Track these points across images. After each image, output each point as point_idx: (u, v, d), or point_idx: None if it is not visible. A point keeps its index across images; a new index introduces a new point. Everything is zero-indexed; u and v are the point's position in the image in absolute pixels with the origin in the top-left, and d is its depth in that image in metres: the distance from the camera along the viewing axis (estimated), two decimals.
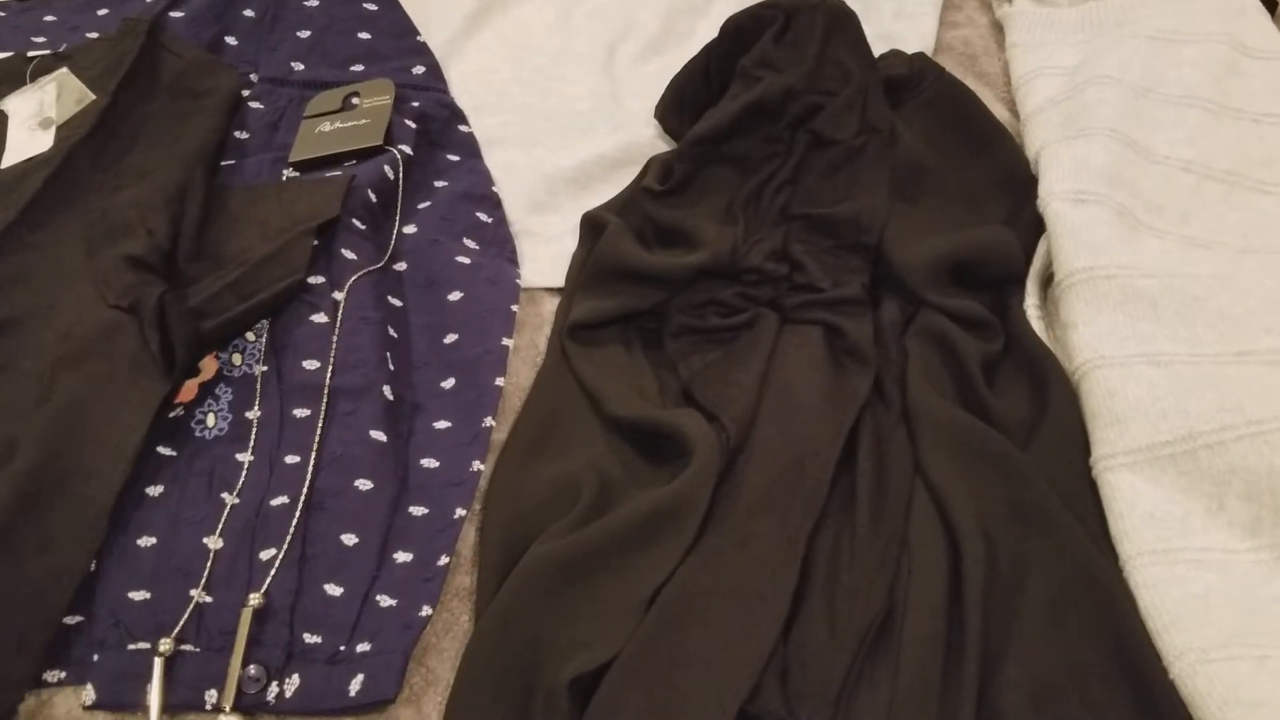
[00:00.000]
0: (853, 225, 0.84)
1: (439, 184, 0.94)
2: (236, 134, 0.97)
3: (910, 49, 1.01)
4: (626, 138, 0.98)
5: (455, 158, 0.97)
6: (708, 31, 1.02)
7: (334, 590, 0.69)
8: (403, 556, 0.71)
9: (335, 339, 0.79)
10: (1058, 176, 0.87)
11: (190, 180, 0.86)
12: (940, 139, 0.92)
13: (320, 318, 0.80)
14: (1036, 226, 0.88)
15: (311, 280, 0.82)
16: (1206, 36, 0.99)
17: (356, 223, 0.86)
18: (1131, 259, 0.81)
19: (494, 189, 0.95)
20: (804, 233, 0.85)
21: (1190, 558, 0.69)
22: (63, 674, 0.67)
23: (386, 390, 0.77)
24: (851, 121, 0.87)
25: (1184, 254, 0.84)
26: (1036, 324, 0.83)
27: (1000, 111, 1.02)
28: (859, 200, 0.85)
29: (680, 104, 0.97)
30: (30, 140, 0.96)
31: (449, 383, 0.81)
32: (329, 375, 0.77)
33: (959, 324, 0.81)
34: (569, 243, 0.92)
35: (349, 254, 0.83)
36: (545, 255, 0.92)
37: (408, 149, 0.93)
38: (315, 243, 0.83)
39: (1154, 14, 1.02)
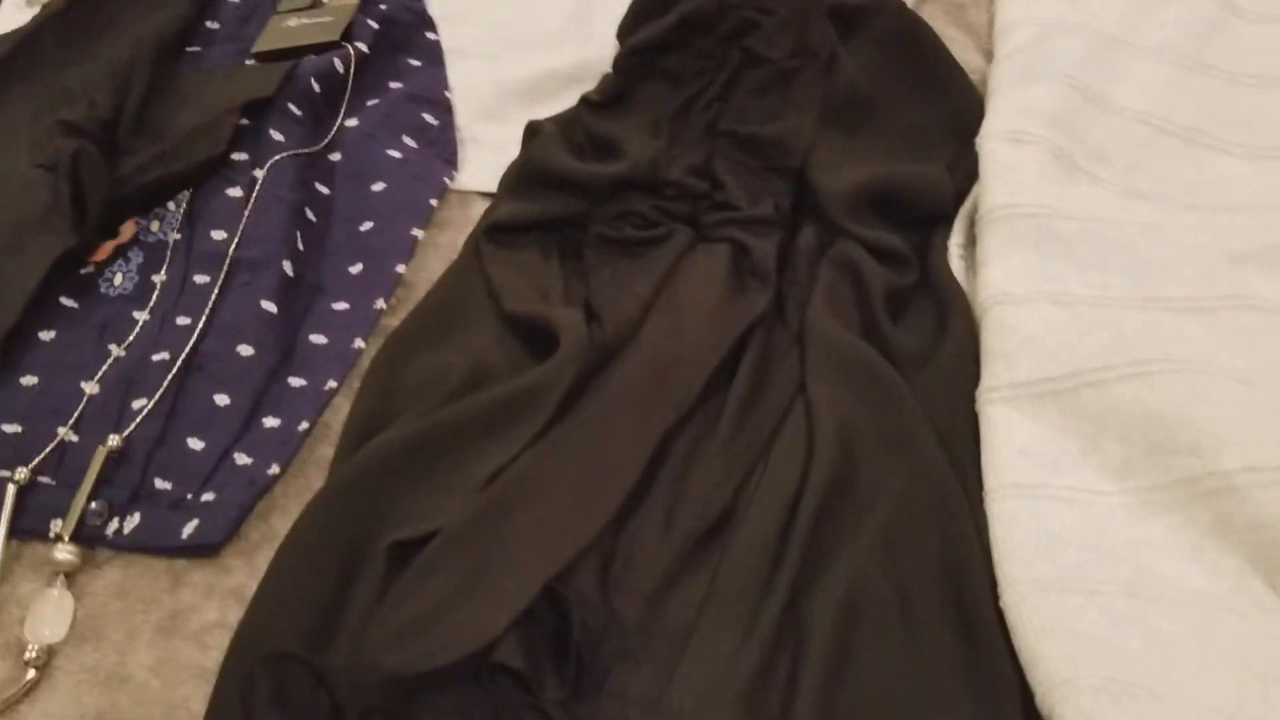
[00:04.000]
0: (778, 147, 0.83)
1: (394, 85, 0.96)
2: (208, 24, 0.99)
3: None
4: (584, 55, 0.98)
5: (417, 63, 0.98)
6: None
7: (196, 444, 0.71)
8: (271, 422, 0.73)
9: (247, 213, 0.81)
10: (999, 116, 0.85)
11: (138, 57, 0.89)
12: (890, 74, 0.90)
13: (235, 191, 0.82)
14: (977, 170, 0.85)
15: (235, 156, 0.84)
16: None
17: (293, 107, 0.87)
18: (1054, 200, 0.78)
19: (447, 94, 0.96)
20: (729, 150, 0.84)
21: (1053, 494, 0.67)
22: None
23: (286, 266, 0.79)
24: (786, 42, 0.85)
25: (1118, 202, 0.81)
26: (957, 263, 0.81)
27: (979, 61, 1.00)
28: (786, 122, 0.84)
29: (638, 24, 0.96)
30: (17, 16, 1.01)
31: (356, 268, 0.82)
32: (234, 246, 0.79)
33: (873, 254, 0.80)
34: (514, 153, 0.92)
35: (277, 135, 0.85)
36: (488, 162, 0.92)
37: (364, 47, 0.95)
38: (245, 121, 0.85)
39: None
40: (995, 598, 0.62)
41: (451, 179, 0.90)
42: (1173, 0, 0.95)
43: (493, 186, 0.90)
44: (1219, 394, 0.66)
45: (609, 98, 0.88)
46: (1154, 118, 0.87)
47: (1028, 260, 0.76)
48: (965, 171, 0.86)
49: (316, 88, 0.89)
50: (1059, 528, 0.65)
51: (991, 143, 0.83)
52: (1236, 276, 0.74)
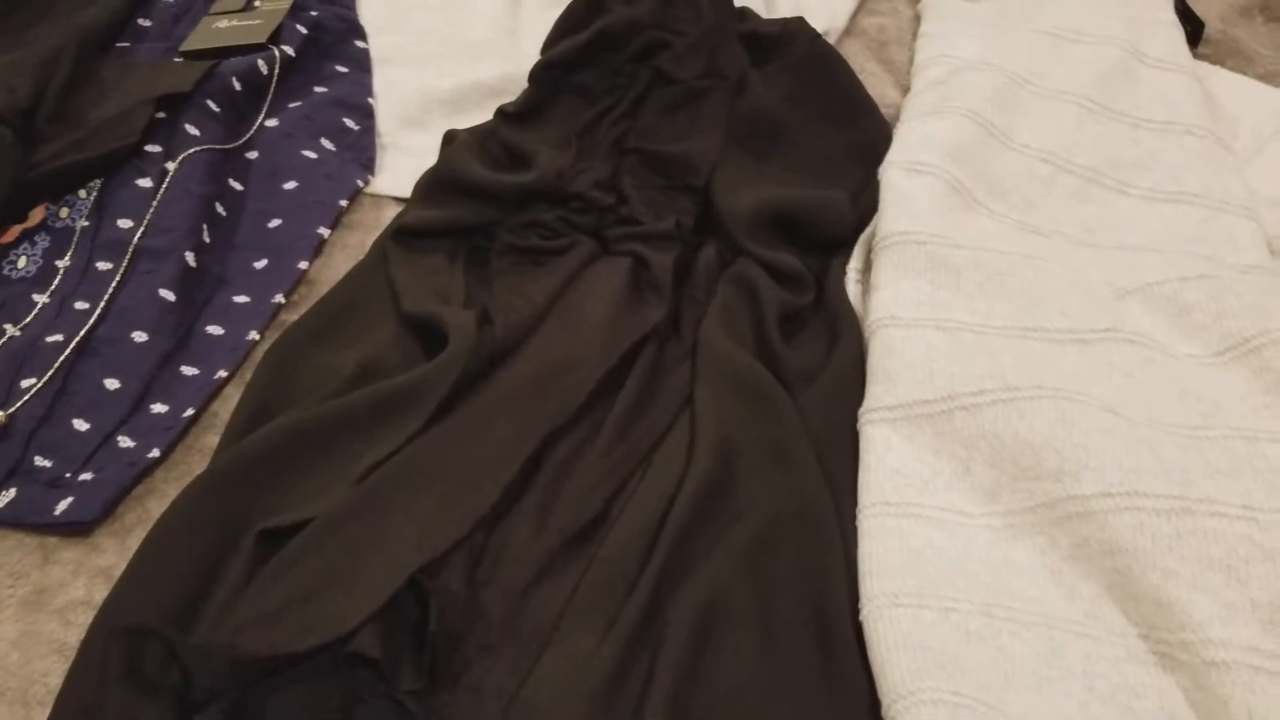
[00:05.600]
0: (683, 165, 0.84)
1: (319, 89, 0.97)
2: (140, 21, 1.00)
3: (817, 22, 1.01)
4: (508, 68, 1.00)
5: (343, 69, 1.00)
6: None
7: (81, 425, 0.71)
8: (158, 408, 0.73)
9: (155, 204, 0.81)
10: (902, 147, 0.87)
11: (64, 48, 0.89)
12: (800, 101, 0.92)
13: (145, 182, 0.83)
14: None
15: (149, 148, 0.85)
16: (1104, 39, 0.98)
17: (210, 104, 0.88)
18: (947, 229, 0.80)
19: (370, 100, 0.97)
20: (635, 166, 0.85)
21: (921, 514, 0.68)
22: None
23: (189, 257, 0.79)
24: (696, 63, 0.87)
25: (1013, 236, 0.83)
26: (854, 287, 0.83)
27: (896, 96, 1.02)
28: (692, 141, 0.85)
29: (559, 40, 0.97)
30: None
31: (261, 263, 0.83)
32: (139, 235, 0.80)
33: (771, 274, 0.81)
34: (434, 160, 0.93)
35: (193, 130, 0.86)
36: (406, 168, 0.94)
37: (290, 51, 0.96)
38: (161, 114, 0.86)
39: (1059, 12, 1.01)
40: (856, 611, 0.63)
41: (366, 182, 0.91)
42: (1081, 43, 0.98)
43: (409, 192, 0.91)
44: (1086, 422, 0.67)
45: (523, 110, 0.90)
46: (1054, 156, 0.89)
47: (917, 286, 0.78)
48: (869, 199, 0.87)
49: (238, 87, 0.91)
50: (922, 545, 0.66)
51: (892, 172, 0.85)
52: (1119, 312, 0.76)
